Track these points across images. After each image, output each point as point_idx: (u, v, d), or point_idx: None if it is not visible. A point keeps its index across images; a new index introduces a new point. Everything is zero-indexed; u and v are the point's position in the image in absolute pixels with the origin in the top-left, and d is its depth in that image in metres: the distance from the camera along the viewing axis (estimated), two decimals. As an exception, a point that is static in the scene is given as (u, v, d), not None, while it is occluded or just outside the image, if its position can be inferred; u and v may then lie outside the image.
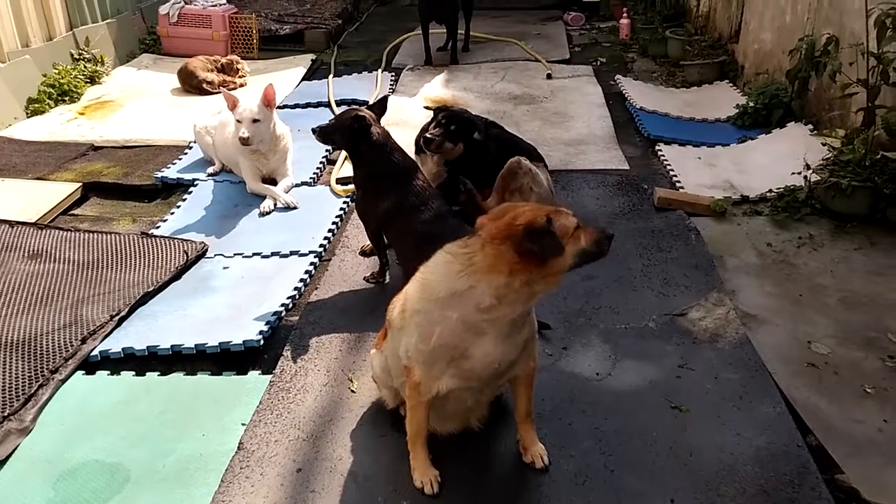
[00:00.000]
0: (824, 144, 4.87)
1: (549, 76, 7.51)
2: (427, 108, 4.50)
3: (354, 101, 6.76)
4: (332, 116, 4.00)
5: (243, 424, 2.98)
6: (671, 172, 5.23)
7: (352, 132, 3.84)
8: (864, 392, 3.11)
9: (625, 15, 8.91)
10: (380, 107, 4.08)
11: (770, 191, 4.78)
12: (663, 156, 5.52)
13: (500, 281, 2.32)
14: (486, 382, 2.57)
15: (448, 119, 4.26)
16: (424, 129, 4.45)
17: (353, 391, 3.18)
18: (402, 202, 3.76)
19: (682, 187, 4.99)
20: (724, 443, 2.84)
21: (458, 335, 2.41)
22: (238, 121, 4.80)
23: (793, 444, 2.82)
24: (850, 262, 4.10)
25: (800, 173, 4.63)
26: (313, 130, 3.97)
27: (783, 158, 5.06)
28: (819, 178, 4.57)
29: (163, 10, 8.37)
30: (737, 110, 6.09)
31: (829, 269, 4.05)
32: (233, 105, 4.84)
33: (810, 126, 5.42)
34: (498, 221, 2.39)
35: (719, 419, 2.96)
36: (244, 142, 4.77)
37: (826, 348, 3.39)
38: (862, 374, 3.22)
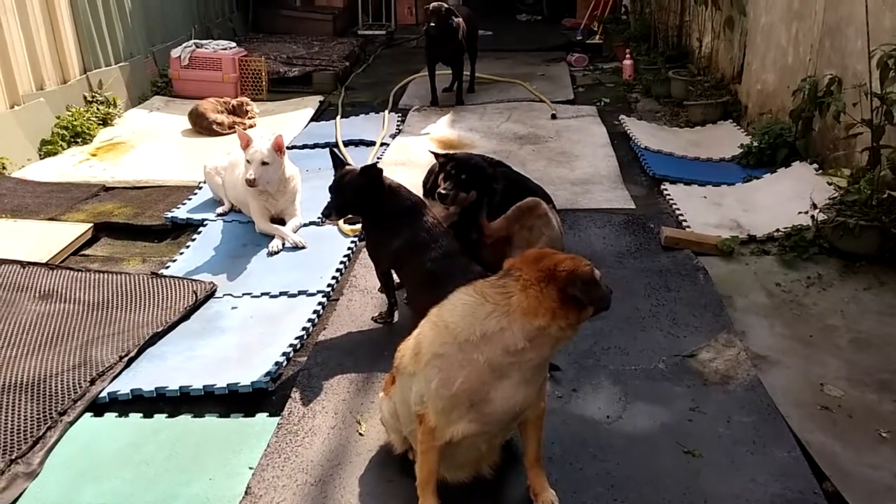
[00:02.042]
0: (830, 184, 4.88)
1: (553, 116, 7.59)
2: (432, 153, 4.52)
3: (362, 142, 6.84)
4: (332, 182, 3.85)
5: (251, 468, 2.96)
6: (677, 211, 5.25)
7: (367, 186, 3.75)
8: (879, 436, 3.07)
9: (627, 56, 9.02)
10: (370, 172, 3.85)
11: (777, 230, 4.79)
12: (669, 195, 5.54)
13: (536, 324, 2.32)
14: (502, 426, 2.55)
15: (457, 169, 4.23)
16: (432, 172, 4.47)
17: (361, 434, 3.16)
18: (415, 239, 3.75)
19: (688, 226, 5.00)
20: (738, 489, 2.80)
21: (483, 379, 2.38)
22: (248, 161, 4.84)
23: (809, 490, 2.78)
24: (861, 303, 4.08)
25: (807, 213, 4.64)
26: (324, 215, 3.84)
27: (789, 198, 5.06)
28: (826, 217, 4.57)
29: (174, 53, 8.51)
30: (741, 150, 6.13)
31: (839, 309, 4.03)
32: (246, 144, 4.89)
33: (816, 165, 5.44)
34: (538, 265, 2.39)
35: (733, 464, 2.92)
36: (250, 183, 4.80)
37: (839, 391, 3.36)
38: (877, 417, 3.19)
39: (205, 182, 5.68)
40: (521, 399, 2.43)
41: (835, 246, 4.51)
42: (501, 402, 2.42)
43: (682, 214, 5.19)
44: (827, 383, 3.41)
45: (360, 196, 3.78)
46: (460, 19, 7.85)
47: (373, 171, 3.79)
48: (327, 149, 4.35)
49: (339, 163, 3.94)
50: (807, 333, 3.83)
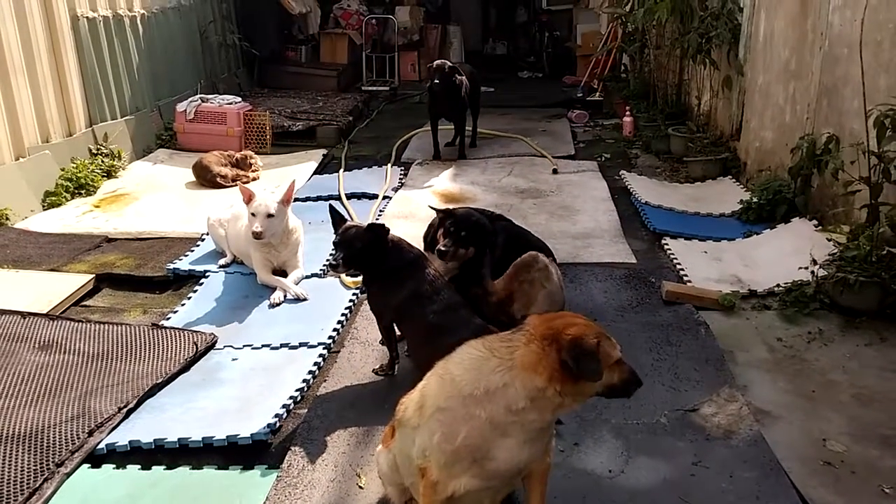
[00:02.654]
0: (830, 240, 4.93)
1: (554, 171, 7.68)
2: (432, 208, 4.56)
3: (364, 195, 6.91)
4: (338, 237, 3.89)
5: (249, 522, 2.92)
6: (678, 266, 5.27)
7: (373, 242, 3.81)
8: (882, 492, 3.04)
9: (627, 113, 9.17)
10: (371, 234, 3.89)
11: (778, 285, 4.80)
12: (669, 250, 5.57)
13: (536, 382, 2.32)
14: (505, 482, 2.53)
15: (456, 226, 4.27)
16: (432, 226, 4.51)
17: (361, 487, 3.12)
18: (416, 292, 3.77)
19: (689, 281, 5.02)
20: (742, 545, 2.76)
21: (485, 436, 2.37)
22: (252, 214, 4.89)
23: (813, 546, 2.75)
24: (862, 358, 4.07)
25: (807, 268, 4.66)
26: (331, 267, 3.91)
27: (789, 253, 5.10)
28: (826, 273, 4.59)
29: (180, 107, 8.66)
30: (741, 205, 6.18)
31: (840, 364, 4.02)
32: (248, 199, 4.94)
33: (815, 222, 5.49)
34: (550, 322, 2.40)
35: (736, 520, 2.89)
36: (257, 236, 4.84)
37: (842, 446, 3.34)
38: (879, 473, 3.16)
39: (207, 234, 5.73)
40: (524, 458, 2.42)
41: (835, 301, 4.53)
42: (504, 461, 2.40)
43: (682, 269, 5.21)
44: (829, 439, 3.38)
45: (365, 251, 3.81)
46: (463, 77, 8.02)
47: (380, 230, 3.84)
48: (330, 201, 4.39)
49: (338, 218, 3.99)
50: (809, 389, 3.82)
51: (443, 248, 4.15)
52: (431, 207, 4.57)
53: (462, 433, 2.38)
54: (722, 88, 7.57)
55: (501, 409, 2.33)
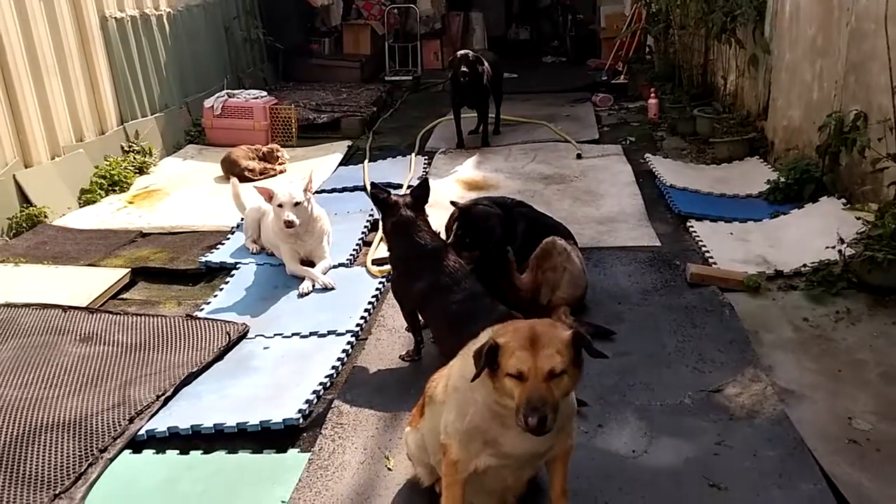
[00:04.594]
0: (858, 218, 4.89)
1: (578, 156, 7.66)
2: (453, 203, 4.61)
3: (389, 185, 6.95)
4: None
5: (283, 502, 3.02)
6: (703, 248, 5.27)
7: (376, 202, 4.05)
8: (908, 469, 3.05)
9: (652, 95, 9.11)
10: (421, 189, 4.10)
11: (805, 265, 4.78)
12: (695, 232, 5.57)
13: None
14: (524, 463, 2.58)
15: (464, 230, 4.33)
16: (452, 218, 4.57)
17: (389, 469, 3.21)
18: (436, 282, 3.85)
19: (714, 263, 5.01)
20: (765, 521, 2.80)
21: (486, 421, 2.43)
22: (279, 206, 4.99)
23: (836, 522, 2.77)
24: (890, 337, 4.05)
25: (834, 247, 4.62)
26: (373, 184, 4.13)
27: (817, 233, 5.05)
28: (854, 251, 4.56)
29: (207, 103, 8.80)
30: (768, 186, 6.14)
31: (868, 343, 4.01)
32: (268, 197, 5.05)
33: (843, 200, 5.44)
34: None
35: (759, 497, 2.92)
36: (289, 224, 4.93)
37: (867, 424, 3.34)
38: (905, 450, 3.17)
39: (237, 227, 5.84)
40: (533, 447, 2.45)
41: (863, 280, 4.50)
42: (512, 447, 2.46)
43: (708, 251, 5.21)
44: (855, 417, 3.39)
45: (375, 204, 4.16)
46: (486, 65, 8.03)
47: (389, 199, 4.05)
48: (356, 192, 4.50)
49: (380, 194, 4.11)
50: (835, 368, 3.82)
51: None
52: (453, 203, 4.62)
53: (468, 414, 2.46)
54: (748, 67, 7.49)
55: (491, 397, 2.39)
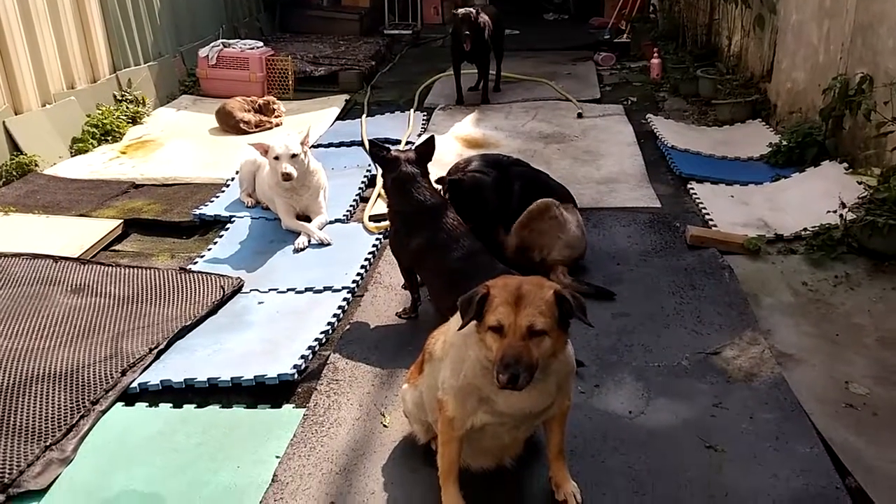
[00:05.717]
0: (860, 183, 4.84)
1: (579, 115, 7.57)
2: (439, 180, 4.38)
3: (387, 141, 6.86)
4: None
5: (277, 457, 3.01)
6: (703, 210, 5.22)
7: (376, 160, 4.03)
8: (904, 433, 3.06)
9: (655, 55, 8.97)
10: (426, 146, 4.06)
11: (805, 229, 4.75)
12: (695, 194, 5.51)
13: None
14: (520, 421, 2.57)
15: (454, 203, 4.15)
16: (444, 189, 4.44)
17: (385, 426, 3.20)
18: (433, 240, 3.81)
19: (714, 225, 4.98)
20: (760, 484, 2.80)
21: (479, 377, 2.41)
22: (276, 158, 4.90)
23: (831, 485, 2.77)
24: (889, 302, 4.04)
25: (835, 212, 4.59)
26: (371, 141, 4.20)
27: (818, 197, 5.02)
28: (855, 216, 4.53)
29: (202, 52, 8.63)
30: (770, 149, 6.08)
31: (866, 308, 4.00)
32: (264, 151, 4.97)
33: (845, 165, 5.39)
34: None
35: (755, 459, 2.92)
36: (287, 177, 4.85)
37: (864, 389, 3.34)
38: (902, 415, 3.16)
39: (232, 179, 5.75)
40: (526, 404, 2.43)
41: (863, 245, 4.47)
42: (506, 405, 2.44)
43: (708, 213, 5.17)
44: (852, 381, 3.39)
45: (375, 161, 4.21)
46: (488, 20, 7.87)
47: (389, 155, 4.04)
48: (353, 147, 4.40)
49: (380, 151, 4.07)
50: (833, 332, 3.80)
51: None
52: (439, 181, 4.37)
53: (463, 370, 2.43)
54: (753, 28, 7.35)
55: (482, 352, 2.37)
